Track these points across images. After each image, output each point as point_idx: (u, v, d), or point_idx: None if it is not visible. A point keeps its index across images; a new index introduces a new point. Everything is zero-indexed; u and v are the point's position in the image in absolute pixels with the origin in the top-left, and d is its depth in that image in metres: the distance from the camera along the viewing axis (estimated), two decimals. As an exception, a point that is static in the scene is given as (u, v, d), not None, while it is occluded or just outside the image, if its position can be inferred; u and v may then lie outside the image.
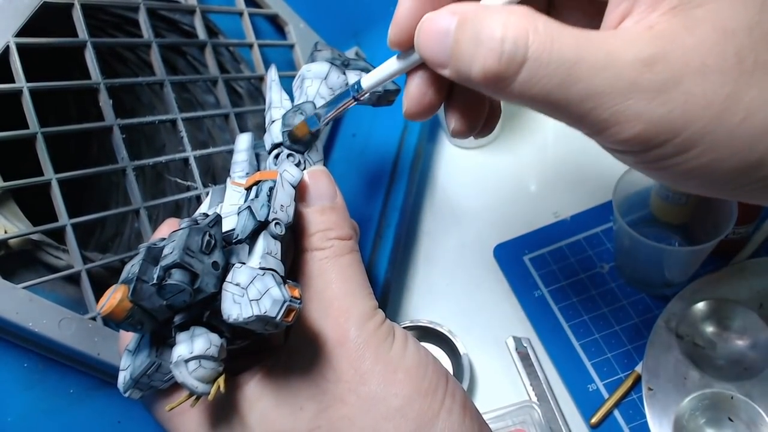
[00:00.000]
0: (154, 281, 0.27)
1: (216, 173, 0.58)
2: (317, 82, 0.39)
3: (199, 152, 0.49)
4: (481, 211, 0.68)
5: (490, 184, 0.69)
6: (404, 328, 0.41)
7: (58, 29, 0.43)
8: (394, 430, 0.30)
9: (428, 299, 0.62)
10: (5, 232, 0.38)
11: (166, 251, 0.28)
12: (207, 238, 0.29)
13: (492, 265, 0.63)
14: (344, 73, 0.40)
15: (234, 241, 0.30)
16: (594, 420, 0.51)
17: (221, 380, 0.29)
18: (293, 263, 0.34)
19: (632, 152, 0.25)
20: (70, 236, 0.40)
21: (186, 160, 0.48)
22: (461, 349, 0.55)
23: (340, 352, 0.31)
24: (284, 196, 0.32)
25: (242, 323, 0.27)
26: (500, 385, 0.55)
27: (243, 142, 0.40)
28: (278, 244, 0.30)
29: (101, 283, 0.42)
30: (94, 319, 0.39)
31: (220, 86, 0.54)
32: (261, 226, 0.30)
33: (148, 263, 0.28)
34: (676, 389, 0.49)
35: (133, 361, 0.31)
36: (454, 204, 0.69)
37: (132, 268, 0.29)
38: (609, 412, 0.51)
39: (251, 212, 0.30)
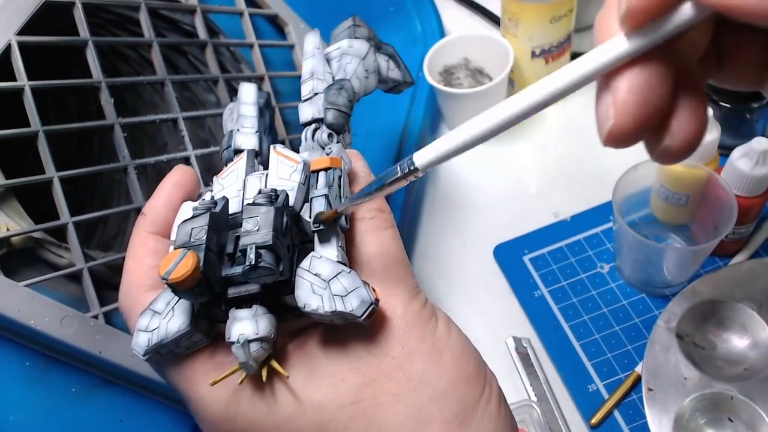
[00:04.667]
0: (247, 263, 0.26)
1: (217, 173, 0.58)
2: (356, 61, 0.39)
3: (200, 151, 0.49)
4: (481, 211, 0.68)
5: (490, 184, 0.69)
6: None
7: (59, 28, 0.43)
8: (439, 411, 0.29)
9: (428, 299, 0.62)
10: (7, 230, 0.38)
11: (248, 226, 0.27)
12: (286, 220, 0.28)
13: (492, 265, 0.63)
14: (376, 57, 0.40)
15: (312, 230, 0.30)
16: (594, 420, 0.51)
17: (274, 362, 0.28)
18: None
19: None
20: (71, 234, 0.40)
21: (187, 159, 0.48)
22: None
23: (387, 328, 0.30)
24: (347, 187, 0.31)
25: (319, 315, 0.27)
26: (500, 385, 0.55)
27: (249, 93, 0.39)
28: (343, 237, 0.31)
29: (103, 281, 0.42)
30: (95, 317, 0.39)
31: (221, 86, 0.54)
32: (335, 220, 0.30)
33: (213, 231, 0.27)
34: (676, 390, 0.49)
35: (165, 326, 0.29)
36: (454, 204, 0.69)
37: (195, 232, 0.27)
38: (609, 413, 0.51)
39: (328, 202, 0.30)
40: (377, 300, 0.28)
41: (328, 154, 0.34)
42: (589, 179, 0.67)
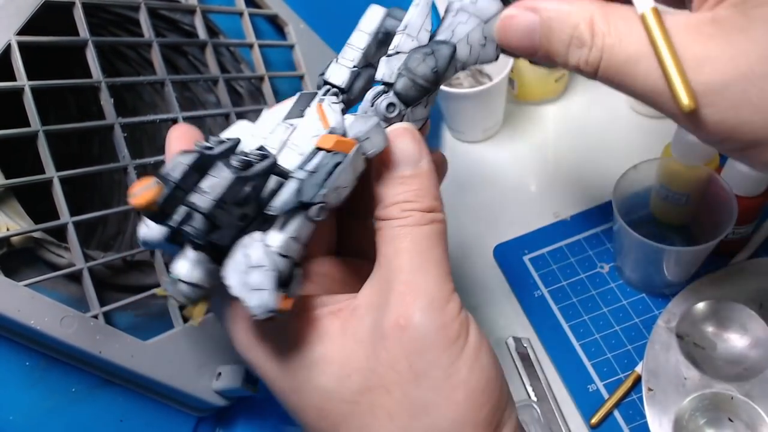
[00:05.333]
0: (175, 221, 0.26)
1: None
2: (474, 22, 0.32)
3: (200, 151, 0.49)
4: (481, 210, 0.68)
5: (490, 184, 0.69)
6: None
7: (59, 27, 0.43)
8: None
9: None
10: (7, 230, 0.38)
11: (203, 184, 0.26)
12: (248, 191, 0.27)
13: (492, 265, 0.63)
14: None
15: (266, 210, 0.28)
16: (594, 420, 0.51)
17: (196, 309, 0.28)
18: (358, 234, 0.33)
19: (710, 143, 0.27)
20: (71, 234, 0.40)
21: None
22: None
23: (398, 336, 0.27)
24: (347, 177, 0.28)
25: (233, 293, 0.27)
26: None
27: (373, 20, 0.33)
28: (311, 228, 0.28)
29: (103, 281, 0.42)
30: (95, 317, 0.39)
31: (220, 86, 0.54)
32: (302, 207, 0.28)
33: (193, 171, 0.26)
34: (676, 390, 0.49)
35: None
36: (454, 204, 0.69)
37: (179, 167, 0.26)
38: (609, 413, 0.51)
39: (299, 189, 0.27)
40: (282, 310, 0.26)
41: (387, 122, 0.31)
42: (589, 179, 0.67)
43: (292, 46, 0.64)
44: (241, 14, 0.59)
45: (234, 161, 0.28)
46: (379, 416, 0.27)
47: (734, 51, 0.24)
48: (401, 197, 0.30)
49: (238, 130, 0.32)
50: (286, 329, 0.29)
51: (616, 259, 0.59)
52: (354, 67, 0.33)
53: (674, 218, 0.58)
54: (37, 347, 0.38)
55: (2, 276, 0.36)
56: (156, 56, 0.49)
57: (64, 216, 0.40)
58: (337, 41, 0.69)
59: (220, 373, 0.44)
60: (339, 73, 0.33)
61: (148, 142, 0.60)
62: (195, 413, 0.46)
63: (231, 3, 0.59)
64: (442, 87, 0.65)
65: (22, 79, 0.40)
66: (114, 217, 0.58)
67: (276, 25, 0.65)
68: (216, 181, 0.26)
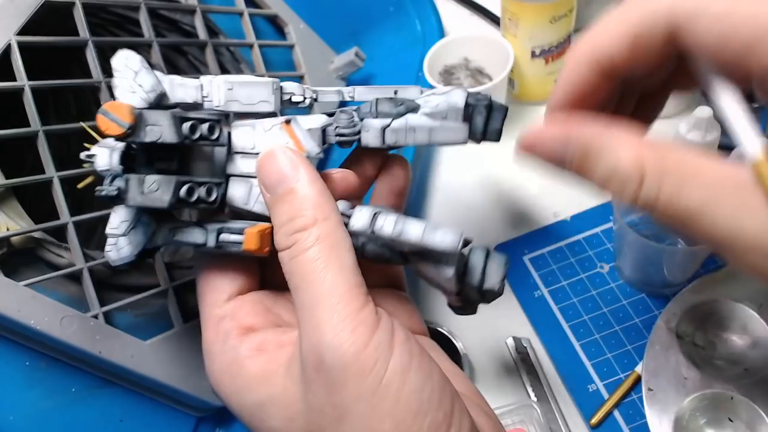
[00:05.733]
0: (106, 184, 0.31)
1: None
2: (438, 99, 0.35)
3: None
4: (481, 211, 0.68)
5: (490, 184, 0.69)
6: None
7: (59, 28, 0.43)
8: None
9: (428, 299, 0.62)
10: (7, 230, 0.38)
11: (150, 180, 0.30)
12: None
13: (492, 265, 0.63)
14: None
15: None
16: (594, 420, 0.51)
17: None
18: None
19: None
20: (71, 234, 0.40)
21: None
22: (461, 349, 0.55)
23: (316, 379, 0.26)
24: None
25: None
26: (500, 385, 0.55)
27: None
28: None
29: (103, 281, 0.42)
30: (95, 317, 0.39)
31: (221, 85, 0.54)
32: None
33: (176, 119, 0.30)
34: (676, 390, 0.49)
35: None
36: (454, 204, 0.69)
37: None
38: (609, 413, 0.51)
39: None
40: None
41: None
42: (589, 179, 0.66)
43: (292, 46, 0.64)
44: (241, 14, 0.59)
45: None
46: None
47: None
48: (284, 217, 0.29)
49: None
50: (243, 367, 0.30)
51: (616, 259, 0.59)
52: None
53: (674, 218, 0.58)
54: (37, 347, 0.38)
55: (2, 276, 0.36)
56: (156, 56, 0.49)
57: (64, 216, 0.40)
58: (337, 41, 0.69)
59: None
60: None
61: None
62: (195, 413, 0.46)
63: (231, 3, 0.59)
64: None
65: (22, 79, 0.40)
66: (114, 217, 0.58)
67: (276, 25, 0.65)
68: (166, 183, 0.30)
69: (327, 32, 0.68)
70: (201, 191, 0.31)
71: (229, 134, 0.33)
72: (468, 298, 0.37)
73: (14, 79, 0.40)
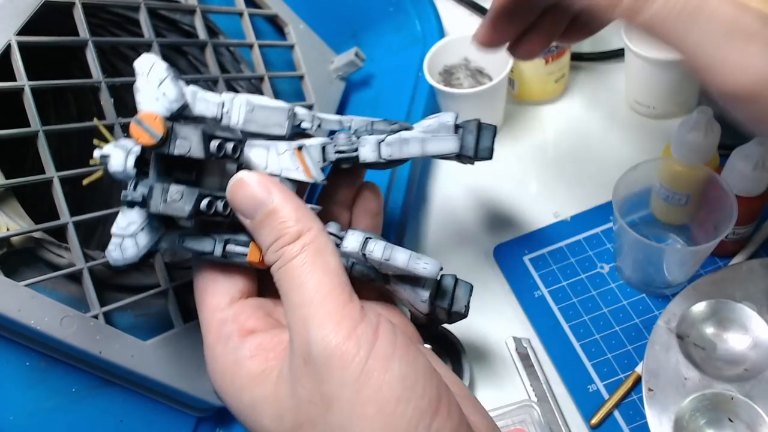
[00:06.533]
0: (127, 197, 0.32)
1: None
2: (429, 120, 0.40)
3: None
4: (481, 211, 0.68)
5: (490, 184, 0.69)
6: None
7: (59, 28, 0.43)
8: None
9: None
10: (7, 230, 0.38)
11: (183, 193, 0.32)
12: (210, 201, 0.33)
13: (492, 265, 0.63)
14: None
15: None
16: (594, 420, 0.51)
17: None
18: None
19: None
20: (71, 234, 0.40)
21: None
22: (461, 350, 0.55)
23: (305, 372, 0.28)
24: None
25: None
26: (500, 385, 0.56)
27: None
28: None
29: (103, 281, 0.42)
30: (95, 317, 0.39)
31: (220, 86, 0.54)
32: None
33: (210, 126, 0.33)
34: (677, 390, 0.49)
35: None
36: (454, 204, 0.69)
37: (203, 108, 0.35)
38: (609, 413, 0.51)
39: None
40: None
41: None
42: (589, 179, 0.67)
43: (291, 46, 0.64)
44: (241, 14, 0.59)
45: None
46: None
47: None
48: (270, 238, 0.31)
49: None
50: (244, 367, 0.32)
51: (616, 259, 0.59)
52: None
53: (674, 218, 0.58)
54: (37, 347, 0.38)
55: (2, 276, 0.36)
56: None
57: (64, 216, 0.40)
58: (337, 41, 0.69)
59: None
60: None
61: (148, 142, 0.60)
62: (195, 413, 0.46)
63: (231, 3, 0.59)
64: (443, 87, 0.65)
65: (22, 79, 0.40)
66: (114, 217, 0.58)
67: (276, 25, 0.65)
68: (188, 194, 0.32)
69: (327, 32, 0.68)
70: (218, 204, 0.33)
71: (242, 151, 0.35)
72: (436, 317, 0.40)
73: (14, 79, 0.40)
